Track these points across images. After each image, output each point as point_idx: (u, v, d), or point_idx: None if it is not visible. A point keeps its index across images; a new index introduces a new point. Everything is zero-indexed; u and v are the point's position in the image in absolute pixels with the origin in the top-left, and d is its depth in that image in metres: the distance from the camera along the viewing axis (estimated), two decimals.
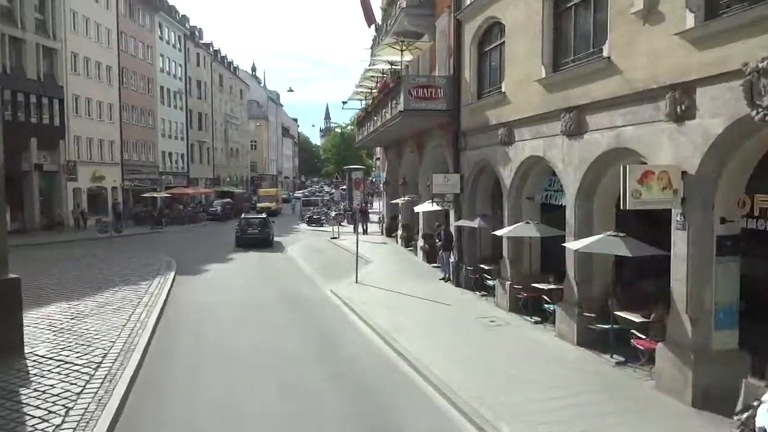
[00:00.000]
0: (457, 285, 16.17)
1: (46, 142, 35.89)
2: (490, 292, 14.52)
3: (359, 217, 23.20)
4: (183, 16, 62.14)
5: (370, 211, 44.36)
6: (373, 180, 68.98)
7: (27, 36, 34.22)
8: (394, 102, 17.73)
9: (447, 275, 17.00)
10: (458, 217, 15.98)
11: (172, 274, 19.10)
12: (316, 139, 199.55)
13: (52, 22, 36.55)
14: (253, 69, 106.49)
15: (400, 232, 26.21)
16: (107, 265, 21.24)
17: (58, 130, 37.11)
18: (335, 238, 31.21)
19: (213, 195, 58.59)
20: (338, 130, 57.15)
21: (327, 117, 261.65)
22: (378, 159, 56.17)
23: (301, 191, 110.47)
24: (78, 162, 38.64)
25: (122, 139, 45.10)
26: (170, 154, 54.95)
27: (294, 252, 26.76)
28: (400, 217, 26.67)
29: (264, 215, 34.19)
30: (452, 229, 16.72)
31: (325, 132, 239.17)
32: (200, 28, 69.64)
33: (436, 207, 17.91)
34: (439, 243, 17.24)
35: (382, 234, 30.74)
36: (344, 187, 46.48)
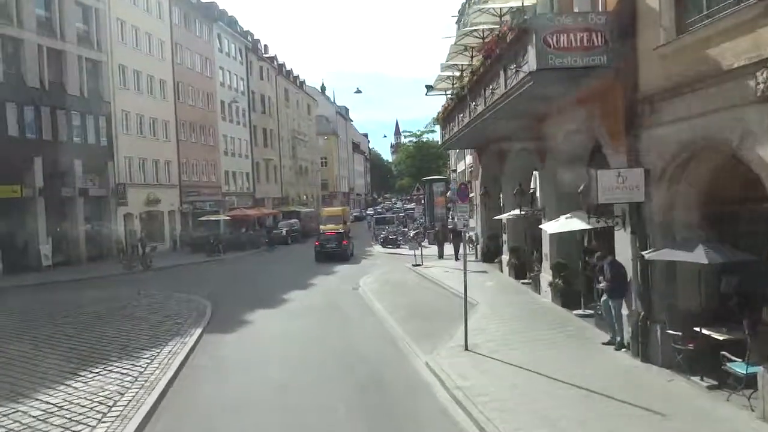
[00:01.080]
0: (644, 358, 9.50)
1: (93, 163, 32.29)
2: (730, 381, 7.83)
3: (458, 238, 16.88)
4: (244, 30, 58.85)
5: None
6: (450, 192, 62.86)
7: (67, 47, 30.81)
8: (512, 67, 11.50)
9: (617, 338, 10.41)
10: (643, 243, 9.37)
11: (198, 331, 13.54)
12: (386, 155, 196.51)
13: (97, 33, 33.14)
14: (323, 88, 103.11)
15: (506, 258, 19.73)
16: (114, 318, 15.60)
17: (105, 151, 33.51)
18: (418, 265, 25.10)
19: (279, 215, 54.14)
20: (411, 140, 50.92)
21: (397, 133, 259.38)
22: (454, 171, 50.23)
23: (372, 208, 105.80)
24: (128, 185, 34.88)
25: (179, 159, 41.35)
26: (234, 173, 51.09)
27: (368, 286, 20.84)
28: (504, 237, 20.19)
29: (340, 230, 35.32)
30: (609, 262, 10.25)
31: (396, 148, 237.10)
32: (265, 44, 66.36)
33: (581, 225, 11.45)
34: (602, 285, 10.63)
35: (477, 258, 24.29)
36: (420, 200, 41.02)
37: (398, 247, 34.43)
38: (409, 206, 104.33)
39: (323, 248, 31.16)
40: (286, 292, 20.08)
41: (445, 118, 21.41)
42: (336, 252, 30.75)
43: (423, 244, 29.20)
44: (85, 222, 31.95)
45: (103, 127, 33.59)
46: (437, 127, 33.30)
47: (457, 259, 24.84)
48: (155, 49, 39.16)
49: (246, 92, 55.06)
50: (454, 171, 50.67)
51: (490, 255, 22.68)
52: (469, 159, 34.83)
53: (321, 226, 38.56)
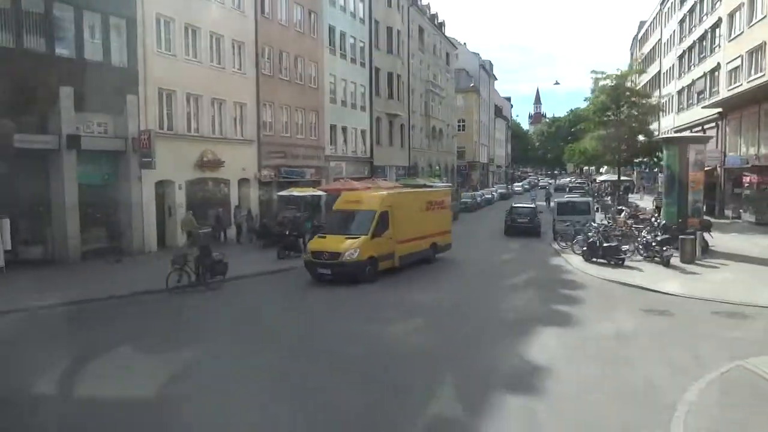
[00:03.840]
0: None
1: (98, 95, 19.34)
2: None
3: None
4: None
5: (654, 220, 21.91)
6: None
7: None
8: None
9: None
10: None
11: None
12: (524, 125, 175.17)
13: None
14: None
15: None
16: None
17: (125, 74, 20.45)
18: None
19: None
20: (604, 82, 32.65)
21: (537, 102, 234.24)
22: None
23: (519, 183, 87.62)
24: (162, 134, 21.74)
25: (259, 102, 27.75)
26: (344, 130, 36.92)
27: None
28: None
29: (533, 204, 32.14)
30: None
31: (535, 119, 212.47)
32: None
33: None
34: None
35: None
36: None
37: (620, 262, 17.92)
38: (577, 182, 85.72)
39: (514, 223, 28.77)
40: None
41: None
42: (527, 227, 28.13)
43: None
44: (79, 197, 19.10)
45: (123, 37, 20.50)
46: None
47: None
48: None
49: (367, 20, 40.33)
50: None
51: None
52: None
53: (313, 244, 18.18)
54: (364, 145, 39.96)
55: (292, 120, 30.84)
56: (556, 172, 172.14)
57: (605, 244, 18.60)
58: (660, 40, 51.50)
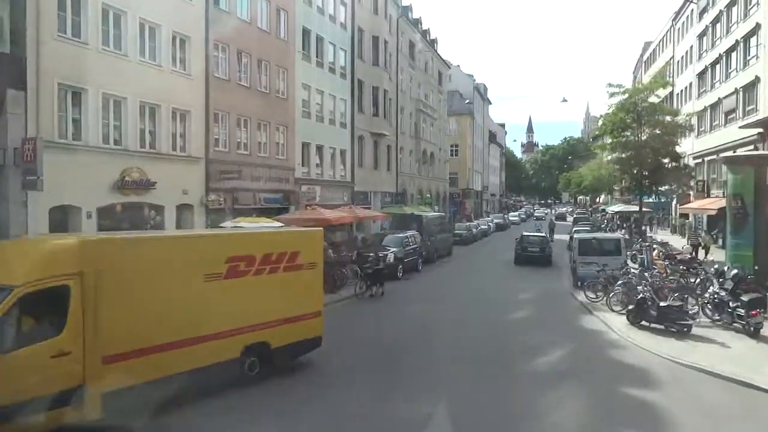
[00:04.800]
0: None
1: None
2: None
3: None
4: None
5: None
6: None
7: None
8: None
9: None
10: None
11: None
12: (516, 153, 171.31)
13: None
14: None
15: None
16: None
17: (4, 61, 15.16)
18: None
19: (388, 221, 33.75)
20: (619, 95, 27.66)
21: (530, 130, 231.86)
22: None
23: (516, 213, 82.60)
24: (65, 145, 16.32)
25: (209, 110, 22.50)
26: (319, 148, 31.71)
27: None
28: None
29: (542, 234, 31.25)
30: None
31: (527, 147, 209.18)
32: None
33: None
34: None
35: None
36: None
37: (686, 333, 12.59)
38: (578, 211, 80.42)
39: (524, 252, 27.88)
40: None
41: None
42: (538, 257, 27.10)
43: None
44: None
45: (4, 13, 15.25)
46: None
47: None
48: None
49: (349, 26, 35.52)
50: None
51: None
52: None
53: None
54: (343, 168, 34.72)
55: (254, 135, 25.58)
56: (550, 201, 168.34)
57: (662, 304, 13.21)
58: (672, 58, 47.16)
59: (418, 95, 50.87)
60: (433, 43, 59.17)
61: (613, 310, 15.03)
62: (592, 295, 16.95)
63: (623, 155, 28.94)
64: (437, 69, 59.43)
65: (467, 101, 61.63)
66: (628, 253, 24.64)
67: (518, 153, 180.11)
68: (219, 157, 23.07)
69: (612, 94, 28.69)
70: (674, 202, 43.20)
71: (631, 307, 13.76)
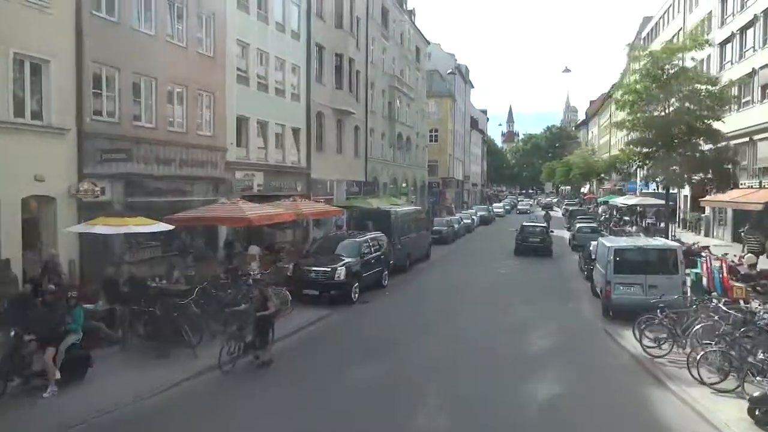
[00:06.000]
0: None
1: None
2: None
3: None
4: None
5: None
6: None
7: None
8: None
9: None
10: None
11: None
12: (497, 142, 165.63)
13: None
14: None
15: None
16: None
17: None
18: None
19: (343, 216, 27.04)
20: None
21: (510, 120, 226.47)
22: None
23: (500, 204, 76.59)
24: None
25: (82, 60, 15.67)
26: (263, 125, 25.02)
27: None
28: None
29: (545, 224, 32.63)
30: None
31: (507, 137, 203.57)
32: None
33: None
34: None
35: None
36: None
37: None
38: (569, 203, 74.09)
39: (525, 242, 28.94)
40: None
41: None
42: (539, 247, 28.17)
43: None
44: None
45: None
46: None
47: None
48: None
49: None
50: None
51: None
52: None
53: None
54: (296, 151, 28.06)
55: (162, 102, 18.80)
56: (531, 191, 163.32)
57: None
58: (682, 29, 41.18)
59: (392, 70, 44.26)
60: (410, 14, 52.56)
61: (702, 381, 8.90)
62: (651, 344, 10.79)
63: (648, 134, 22.75)
64: (415, 43, 52.80)
65: (449, 71, 54.89)
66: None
67: (498, 142, 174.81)
68: (100, 129, 16.28)
69: (634, 58, 22.48)
70: (684, 193, 37.40)
71: (756, 393, 7.57)
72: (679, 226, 38.78)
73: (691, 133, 22.15)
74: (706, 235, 33.57)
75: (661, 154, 22.64)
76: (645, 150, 23.30)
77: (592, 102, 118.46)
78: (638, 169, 31.69)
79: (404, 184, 48.52)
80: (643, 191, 52.66)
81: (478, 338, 13.59)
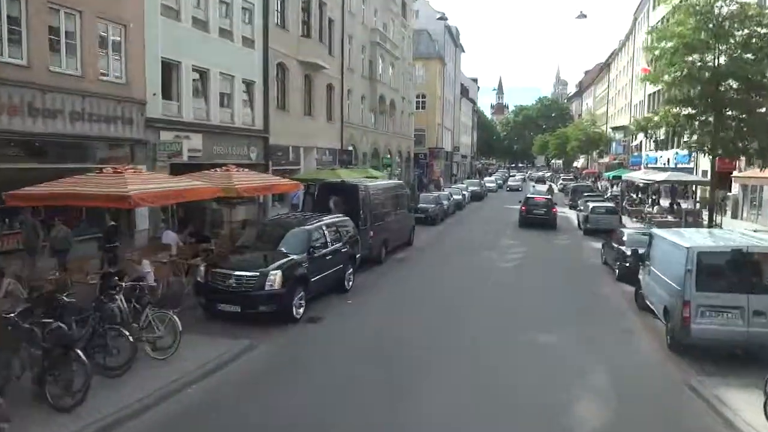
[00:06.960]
0: None
1: None
2: None
3: None
4: None
5: None
6: None
7: None
8: None
9: None
10: None
11: None
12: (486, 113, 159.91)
13: None
14: None
15: None
16: None
17: None
18: None
19: (299, 191, 21.83)
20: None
21: (500, 91, 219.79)
22: None
23: (491, 178, 71.52)
24: None
25: None
26: (202, 74, 19.63)
27: None
28: None
29: (548, 195, 32.57)
30: None
31: (497, 109, 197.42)
32: None
33: None
34: None
35: None
36: None
37: None
38: (566, 178, 68.83)
39: (529, 213, 28.22)
40: None
41: None
42: (543, 219, 27.74)
43: None
44: None
45: None
46: None
47: None
48: None
49: None
50: None
51: None
52: None
53: None
54: (250, 110, 22.73)
55: (40, 33, 13.39)
56: (522, 164, 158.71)
57: None
58: None
59: (374, 23, 38.68)
60: None
61: None
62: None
63: (693, 92, 17.70)
64: None
65: (438, 17, 48.97)
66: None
67: (488, 114, 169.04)
68: None
69: None
70: (702, 168, 32.64)
71: None
72: (695, 206, 34.13)
73: (747, 90, 17.24)
74: (734, 217, 29.02)
75: (710, 116, 17.70)
76: (689, 111, 18.32)
77: (587, 72, 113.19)
78: (673, 137, 26.62)
79: (387, 156, 43.38)
80: (649, 165, 47.93)
81: (482, 392, 8.63)
